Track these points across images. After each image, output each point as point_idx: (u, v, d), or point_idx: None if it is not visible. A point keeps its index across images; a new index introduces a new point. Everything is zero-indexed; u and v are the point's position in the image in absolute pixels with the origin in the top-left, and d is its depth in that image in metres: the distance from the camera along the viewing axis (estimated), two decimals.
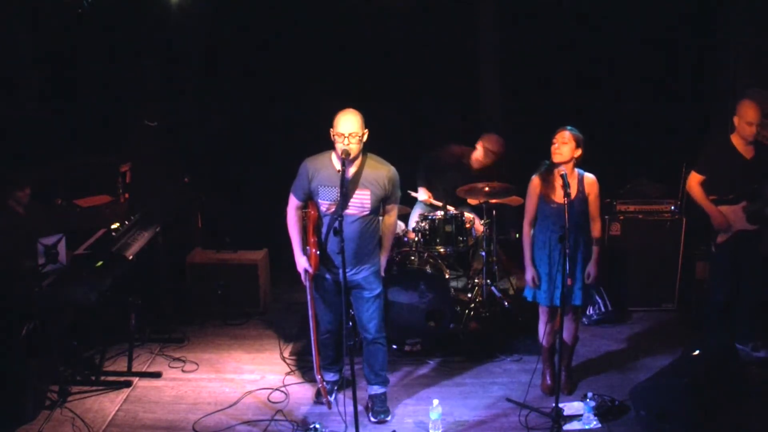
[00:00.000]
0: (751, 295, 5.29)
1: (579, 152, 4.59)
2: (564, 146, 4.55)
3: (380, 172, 4.38)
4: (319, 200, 4.41)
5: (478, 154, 6.07)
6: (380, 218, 4.60)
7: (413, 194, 6.14)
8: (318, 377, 4.67)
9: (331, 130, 4.28)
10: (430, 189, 6.16)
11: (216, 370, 5.38)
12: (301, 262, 4.53)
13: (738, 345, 5.21)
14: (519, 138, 6.49)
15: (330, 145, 4.35)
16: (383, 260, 4.64)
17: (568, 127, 4.59)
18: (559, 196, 4.59)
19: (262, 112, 7.30)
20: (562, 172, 4.46)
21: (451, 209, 5.76)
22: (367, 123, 4.31)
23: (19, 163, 5.82)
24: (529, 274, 4.77)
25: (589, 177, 4.67)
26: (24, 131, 6.49)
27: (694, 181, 5.18)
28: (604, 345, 5.63)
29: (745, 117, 4.94)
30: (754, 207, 5.05)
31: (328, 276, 4.56)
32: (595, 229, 4.70)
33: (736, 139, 5.07)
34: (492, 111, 7.41)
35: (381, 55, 7.15)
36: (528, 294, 4.84)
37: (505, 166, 6.16)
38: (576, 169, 4.66)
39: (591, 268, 4.68)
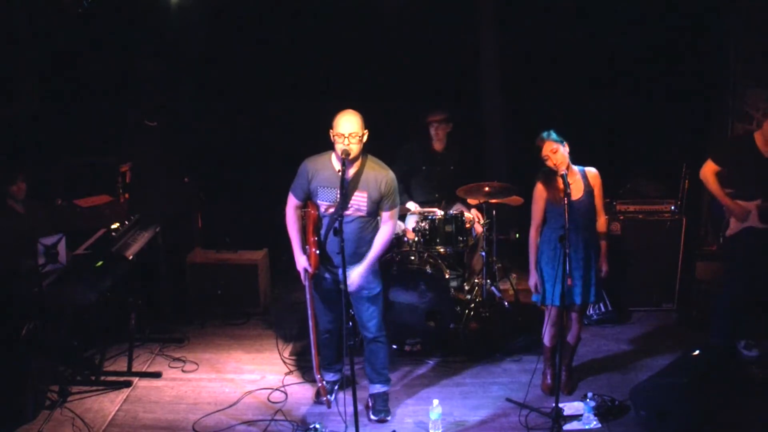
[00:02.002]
0: (753, 294, 5.29)
1: (567, 148, 4.60)
2: (557, 154, 4.54)
3: (379, 174, 4.37)
4: (318, 201, 4.41)
5: (433, 133, 6.10)
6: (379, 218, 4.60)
7: (407, 209, 6.08)
8: (317, 376, 4.67)
9: (331, 131, 4.27)
10: (414, 196, 6.16)
11: (216, 370, 5.38)
12: (301, 261, 4.52)
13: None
14: (519, 138, 6.48)
15: (330, 146, 4.35)
16: (362, 272, 4.43)
17: (544, 135, 4.57)
18: None
19: (262, 112, 7.29)
20: (562, 173, 4.46)
21: (436, 210, 5.78)
22: (366, 124, 4.31)
23: (20, 163, 5.82)
24: (532, 280, 4.79)
25: (591, 171, 4.69)
26: (24, 131, 6.49)
27: (710, 170, 5.14)
28: (604, 345, 5.62)
29: None
30: None
31: (327, 275, 4.56)
32: (601, 224, 4.73)
33: (758, 137, 5.05)
34: (492, 111, 7.41)
35: (381, 55, 7.14)
36: (537, 297, 4.82)
37: (461, 143, 6.24)
38: (576, 167, 4.67)
39: (602, 263, 4.72)
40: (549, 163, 4.57)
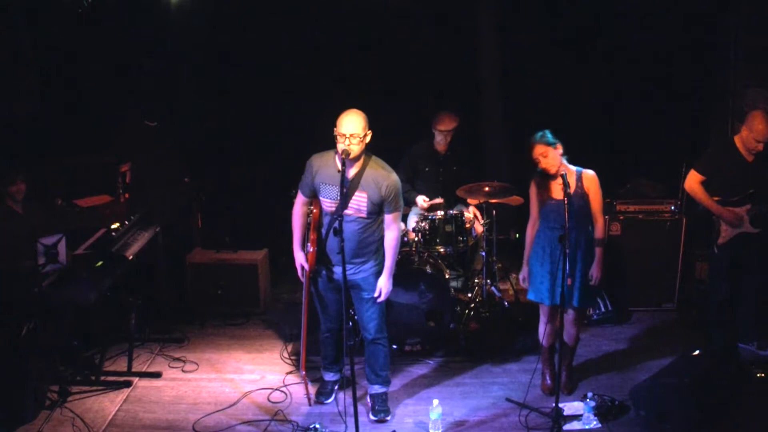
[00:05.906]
0: (754, 295, 5.30)
1: (560, 149, 4.57)
2: (547, 158, 4.52)
3: (380, 176, 4.35)
4: (321, 198, 4.43)
5: (439, 138, 6.05)
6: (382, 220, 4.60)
7: (418, 204, 6.07)
8: (302, 373, 4.74)
9: (335, 129, 4.28)
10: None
11: (216, 370, 5.38)
12: (299, 258, 4.57)
13: (742, 344, 5.24)
14: (519, 138, 6.48)
15: (334, 144, 4.34)
16: (386, 281, 4.50)
17: (536, 137, 4.54)
18: (556, 193, 4.60)
19: (262, 112, 7.29)
20: (562, 173, 4.45)
21: (439, 200, 5.82)
22: (368, 124, 4.30)
23: (19, 162, 5.82)
24: (522, 273, 4.82)
25: (588, 173, 4.63)
26: (24, 131, 6.49)
27: (695, 181, 5.14)
28: (604, 345, 5.62)
29: (756, 134, 4.88)
30: (758, 210, 5.04)
31: (326, 274, 4.57)
32: (598, 229, 4.64)
33: (739, 142, 5.05)
34: (492, 111, 7.41)
35: (380, 55, 7.15)
36: (530, 294, 4.83)
37: (464, 142, 6.21)
38: (574, 167, 4.65)
39: (594, 270, 4.64)
40: (540, 166, 4.56)
